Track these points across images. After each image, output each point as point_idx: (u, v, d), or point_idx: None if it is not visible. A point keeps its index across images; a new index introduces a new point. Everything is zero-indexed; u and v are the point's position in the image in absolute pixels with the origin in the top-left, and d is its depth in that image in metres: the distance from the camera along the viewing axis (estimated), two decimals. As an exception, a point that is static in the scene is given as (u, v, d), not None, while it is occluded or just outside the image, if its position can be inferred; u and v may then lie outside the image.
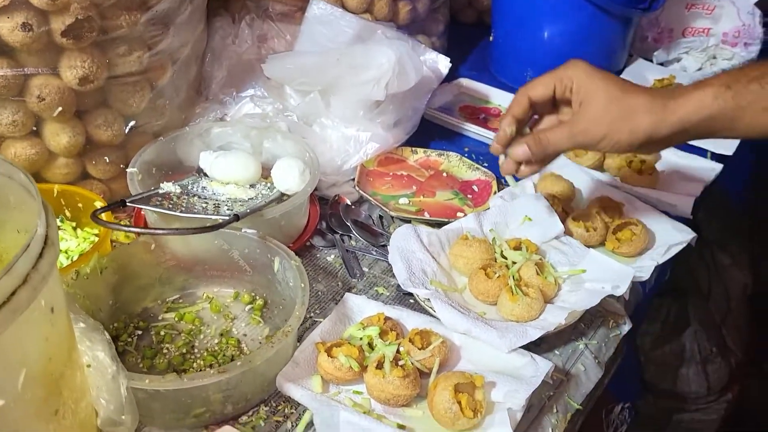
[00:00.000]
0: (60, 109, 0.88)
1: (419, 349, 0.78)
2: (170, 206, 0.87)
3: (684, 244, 0.97)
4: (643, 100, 0.76)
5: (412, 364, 0.75)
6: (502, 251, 0.93)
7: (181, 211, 0.86)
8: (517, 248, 0.93)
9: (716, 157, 1.23)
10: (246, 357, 0.69)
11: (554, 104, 0.86)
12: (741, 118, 0.72)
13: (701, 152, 1.23)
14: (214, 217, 0.85)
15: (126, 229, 0.79)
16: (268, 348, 0.71)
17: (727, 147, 1.24)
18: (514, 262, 0.91)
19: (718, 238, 1.55)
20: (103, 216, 0.80)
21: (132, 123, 0.98)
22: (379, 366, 0.75)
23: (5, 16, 0.80)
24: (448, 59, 1.23)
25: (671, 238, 0.98)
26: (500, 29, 1.49)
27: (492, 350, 0.80)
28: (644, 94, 0.77)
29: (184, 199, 0.91)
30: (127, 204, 0.85)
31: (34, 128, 0.91)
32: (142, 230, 0.79)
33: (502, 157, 0.89)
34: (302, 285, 0.79)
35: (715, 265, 1.57)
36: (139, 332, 0.84)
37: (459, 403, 0.71)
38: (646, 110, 0.75)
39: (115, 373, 0.65)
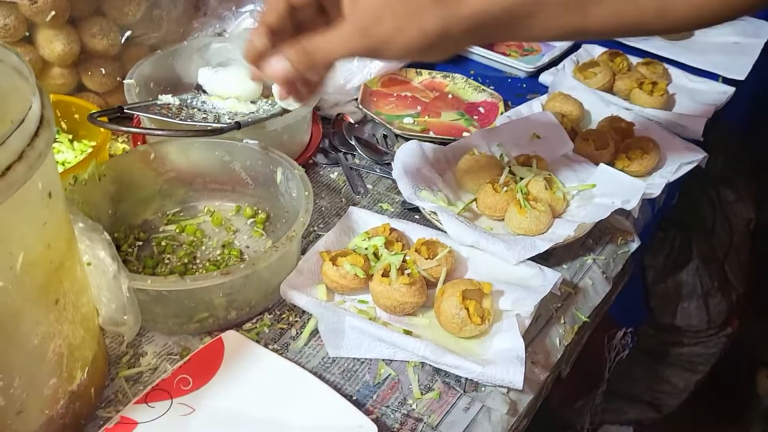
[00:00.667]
0: (53, 13, 0.85)
1: (426, 259, 0.76)
2: (169, 116, 0.84)
3: (695, 163, 0.95)
4: None
5: (419, 273, 0.74)
6: (510, 167, 0.91)
7: (181, 119, 0.83)
8: (526, 164, 0.91)
9: (727, 82, 1.20)
10: (250, 259, 0.68)
11: (322, 9, 0.67)
12: (536, 14, 0.60)
13: (713, 76, 1.20)
14: (214, 125, 0.82)
15: (125, 129, 0.76)
16: (272, 252, 0.69)
17: (740, 71, 1.21)
18: (522, 178, 0.89)
19: (723, 174, 1.53)
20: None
21: (128, 33, 0.95)
22: (385, 275, 0.73)
23: None
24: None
25: (682, 156, 0.96)
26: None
27: (499, 262, 0.78)
28: None
29: (184, 110, 0.89)
30: (125, 111, 0.82)
31: (27, 34, 0.87)
32: (142, 131, 0.77)
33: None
34: (306, 193, 0.77)
35: (719, 200, 1.55)
36: (140, 243, 0.82)
37: (467, 309, 0.69)
38: (433, 3, 0.59)
39: (117, 272, 0.63)
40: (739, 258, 1.61)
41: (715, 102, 1.12)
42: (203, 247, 0.83)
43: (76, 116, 0.90)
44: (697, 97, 1.13)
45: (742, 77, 1.20)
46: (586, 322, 0.79)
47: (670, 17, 0.60)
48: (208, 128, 0.77)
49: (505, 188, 0.86)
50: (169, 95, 0.92)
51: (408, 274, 0.73)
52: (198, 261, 0.81)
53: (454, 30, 0.61)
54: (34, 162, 0.46)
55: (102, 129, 0.83)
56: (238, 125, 0.80)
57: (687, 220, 1.54)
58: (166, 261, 0.80)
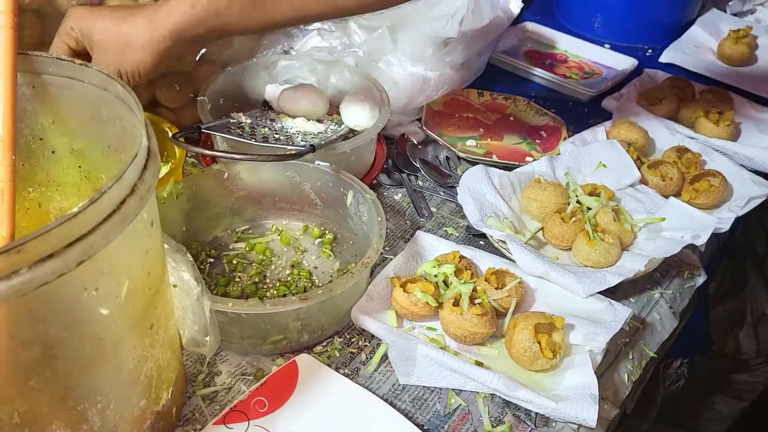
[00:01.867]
0: None
1: (495, 288, 0.77)
2: (244, 136, 0.86)
3: (764, 197, 0.94)
4: (138, 24, 0.73)
5: (489, 302, 0.74)
6: (577, 196, 0.90)
7: (257, 141, 0.84)
8: (593, 193, 0.91)
9: (795, 112, 1.18)
10: (327, 286, 0.69)
11: None
12: (228, 17, 0.73)
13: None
14: (288, 147, 0.83)
15: (209, 153, 0.78)
16: (348, 278, 0.70)
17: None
18: (589, 208, 0.89)
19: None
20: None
21: (203, 51, 0.97)
22: (456, 303, 0.74)
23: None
24: (521, 1, 1.19)
25: (750, 190, 0.95)
26: (569, -28, 1.44)
27: (568, 294, 0.78)
28: (140, 15, 0.74)
29: (256, 129, 0.90)
30: (203, 130, 0.84)
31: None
32: (226, 155, 0.78)
33: None
34: (379, 219, 0.77)
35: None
36: (211, 260, 0.84)
37: (539, 343, 0.70)
38: (139, 34, 0.73)
39: (200, 295, 0.64)
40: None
41: (784, 133, 1.10)
42: (272, 266, 0.84)
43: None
44: (763, 127, 1.11)
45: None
46: (654, 357, 0.78)
47: (340, 7, 0.75)
48: (287, 153, 0.78)
49: (573, 218, 0.86)
50: (240, 113, 0.93)
51: (479, 303, 0.73)
52: (268, 280, 0.82)
53: (163, 47, 0.73)
54: (144, 194, 0.48)
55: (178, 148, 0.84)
56: (313, 148, 0.81)
57: (740, 247, 1.52)
58: (237, 279, 0.82)
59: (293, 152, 0.79)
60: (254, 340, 0.72)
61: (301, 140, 0.88)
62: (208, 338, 0.65)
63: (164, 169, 0.87)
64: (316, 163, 0.84)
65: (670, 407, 1.38)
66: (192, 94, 0.98)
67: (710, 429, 1.65)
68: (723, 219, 0.90)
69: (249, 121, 0.93)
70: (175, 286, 0.65)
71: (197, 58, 0.96)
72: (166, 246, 0.67)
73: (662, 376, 1.16)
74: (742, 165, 1.01)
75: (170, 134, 0.81)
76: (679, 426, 1.57)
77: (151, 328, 0.56)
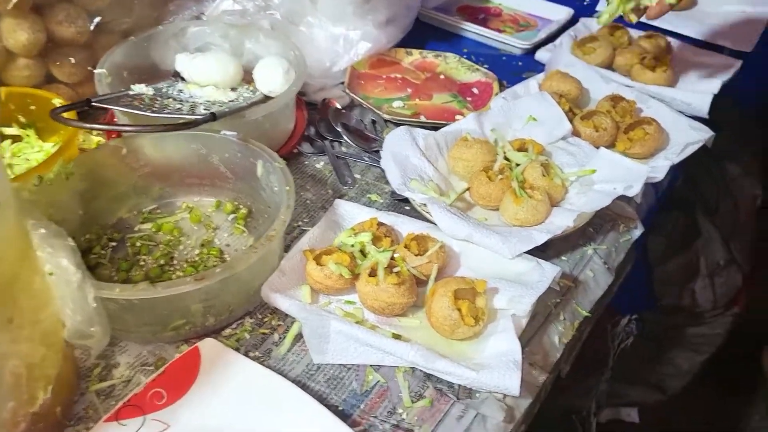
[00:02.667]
0: (15, 0, 0.79)
1: (416, 255, 0.72)
2: (141, 107, 0.79)
3: (701, 143, 0.90)
4: None
5: (408, 270, 0.70)
6: (505, 153, 0.86)
7: (153, 111, 0.78)
8: (522, 149, 0.86)
9: (734, 54, 1.14)
10: (226, 263, 0.63)
11: None
12: None
13: (718, 49, 1.15)
14: (189, 116, 0.77)
15: (88, 126, 0.72)
16: (251, 253, 0.64)
17: (747, 42, 1.15)
18: (517, 164, 0.84)
19: (728, 149, 1.47)
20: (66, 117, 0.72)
21: (97, 19, 0.90)
22: (372, 274, 0.69)
23: None
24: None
25: (687, 136, 0.91)
26: None
27: (494, 256, 0.74)
28: None
29: (158, 101, 0.84)
30: (92, 104, 0.77)
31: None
32: (106, 127, 0.72)
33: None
34: (287, 188, 0.72)
35: (723, 176, 1.49)
36: (114, 244, 0.78)
37: (459, 310, 0.65)
38: None
39: (81, 282, 0.58)
40: (745, 235, 1.56)
41: (722, 76, 1.06)
42: (181, 247, 0.78)
43: (33, 107, 0.85)
44: (702, 72, 1.07)
45: (749, 49, 1.15)
46: (587, 317, 0.74)
47: None
48: (180, 122, 0.71)
49: (500, 176, 0.82)
50: (143, 84, 0.87)
51: (397, 272, 0.68)
52: (176, 262, 0.76)
53: None
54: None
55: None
56: (213, 116, 0.75)
57: (690, 198, 1.49)
58: (141, 263, 0.76)
59: (187, 121, 0.72)
60: (154, 327, 0.66)
61: (204, 110, 0.82)
62: (94, 329, 0.59)
63: (52, 149, 0.80)
64: (222, 132, 0.78)
65: (626, 365, 1.36)
66: (91, 68, 0.91)
67: (671, 384, 1.64)
68: (658, 167, 0.86)
69: (151, 92, 0.86)
70: (51, 273, 0.59)
71: (91, 28, 0.89)
72: (42, 231, 0.60)
73: (611, 335, 1.13)
74: (680, 111, 0.97)
75: (54, 107, 0.74)
76: (637, 383, 1.56)
77: (11, 322, 0.50)
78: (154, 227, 0.80)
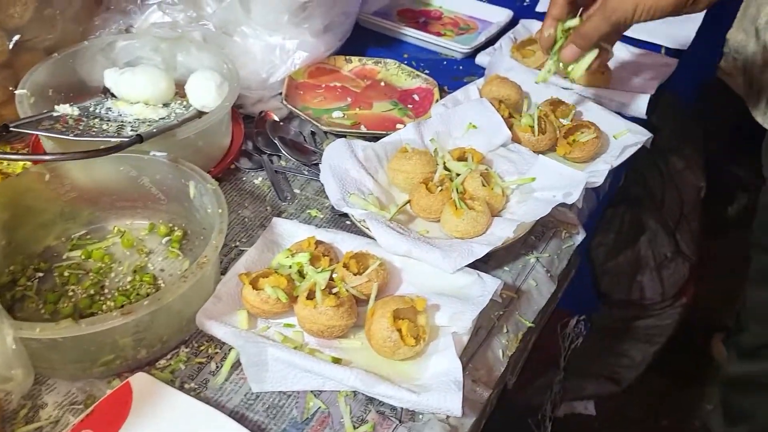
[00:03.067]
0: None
1: (355, 274, 0.70)
2: (64, 130, 0.76)
3: (639, 146, 0.91)
4: None
5: (347, 291, 0.68)
6: (444, 163, 0.85)
7: (76, 135, 0.75)
8: (461, 158, 0.85)
9: (670, 53, 1.15)
10: (155, 295, 0.61)
11: None
12: None
13: (655, 48, 1.16)
14: (114, 139, 0.74)
15: (4, 157, 0.67)
16: (181, 283, 0.62)
17: (683, 41, 1.16)
18: (458, 174, 0.83)
19: (671, 143, 1.50)
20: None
21: (16, 37, 0.86)
22: (311, 296, 0.67)
23: None
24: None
25: (626, 139, 0.91)
26: None
27: (436, 271, 0.73)
28: None
29: (83, 122, 0.80)
30: (11, 129, 0.73)
31: None
32: (20, 157, 0.68)
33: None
34: (220, 210, 0.69)
35: (668, 170, 1.52)
36: (40, 274, 0.74)
37: (399, 330, 0.64)
38: None
39: (-2, 322, 0.55)
40: (691, 227, 1.59)
41: (659, 75, 1.07)
42: (112, 274, 0.75)
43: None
44: (639, 71, 1.08)
45: (685, 47, 1.16)
46: (531, 327, 0.74)
47: None
48: (103, 147, 0.68)
49: (440, 187, 0.81)
50: (68, 105, 0.83)
51: (335, 293, 0.67)
52: (106, 291, 0.73)
53: None
54: None
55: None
56: (140, 138, 0.72)
57: (636, 193, 1.51)
58: (70, 294, 0.72)
59: (110, 146, 0.69)
60: (82, 363, 0.63)
61: (131, 130, 0.79)
62: (15, 372, 0.56)
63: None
64: (151, 153, 0.75)
65: (579, 361, 1.37)
66: (12, 88, 0.86)
67: (626, 376, 1.66)
68: (597, 172, 0.86)
69: (77, 112, 0.82)
70: (-36, 318, 0.56)
71: (11, 46, 0.85)
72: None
73: (561, 336, 1.13)
74: (618, 113, 0.98)
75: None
76: (591, 376, 1.58)
77: None
78: (83, 254, 0.77)
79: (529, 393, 1.25)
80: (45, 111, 0.81)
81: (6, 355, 0.56)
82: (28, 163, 0.86)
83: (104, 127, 0.79)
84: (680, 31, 1.19)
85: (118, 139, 0.72)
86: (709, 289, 1.71)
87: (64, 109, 0.82)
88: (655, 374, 1.67)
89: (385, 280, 0.71)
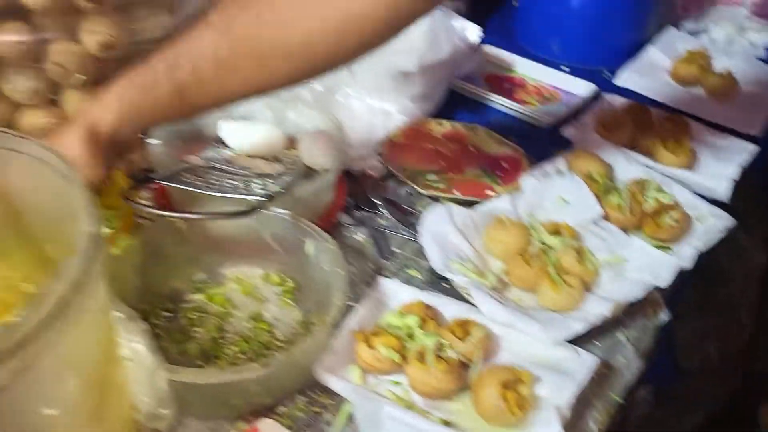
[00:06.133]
0: (79, 76, 0.83)
1: (459, 338, 0.75)
2: (199, 183, 0.83)
3: (725, 232, 0.95)
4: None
5: (455, 356, 0.73)
6: (539, 236, 0.90)
7: (212, 189, 0.81)
8: (555, 232, 0.90)
9: (753, 138, 1.19)
10: (289, 351, 0.67)
11: None
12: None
13: (736, 132, 1.19)
14: (247, 197, 0.80)
15: (168, 214, 0.75)
16: (310, 340, 0.68)
17: (756, 125, 1.20)
18: (551, 248, 0.89)
19: (742, 220, 1.52)
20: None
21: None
22: (421, 358, 0.72)
23: (24, -24, 0.74)
24: (479, 28, 1.17)
25: (711, 224, 0.96)
26: (527, -7, 1.43)
27: (534, 341, 0.77)
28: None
29: (212, 174, 0.87)
30: (156, 181, 0.81)
31: (53, 97, 0.85)
32: (183, 215, 0.75)
33: None
34: (340, 271, 0.76)
35: (735, 245, 1.54)
36: (169, 314, 0.81)
37: (505, 399, 0.69)
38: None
39: (155, 366, 0.62)
40: (752, 299, 1.61)
41: (741, 160, 1.11)
42: (232, 319, 0.81)
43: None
44: (719, 154, 1.12)
45: (758, 132, 1.20)
46: (622, 404, 0.78)
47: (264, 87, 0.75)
48: (244, 210, 0.75)
49: (536, 259, 0.86)
50: (193, 155, 0.91)
51: (445, 358, 0.72)
52: (228, 335, 0.79)
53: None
54: (92, 289, 0.45)
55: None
56: (271, 198, 0.79)
57: (707, 267, 1.53)
58: (194, 334, 0.79)
59: (249, 208, 0.76)
60: (213, 405, 0.69)
61: (259, 188, 0.85)
62: (166, 411, 0.63)
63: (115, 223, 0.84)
64: (274, 210, 0.82)
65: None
66: (142, 135, 0.94)
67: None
68: (685, 256, 0.90)
69: (202, 162, 0.90)
70: (127, 359, 0.62)
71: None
72: (118, 315, 0.64)
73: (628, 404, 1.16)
74: (701, 195, 1.02)
75: (121, 188, 0.77)
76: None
77: (102, 416, 0.53)
78: (206, 297, 0.83)
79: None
80: (176, 161, 0.88)
81: (160, 395, 0.62)
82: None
83: (233, 181, 0.86)
84: (752, 115, 1.23)
85: (254, 198, 0.79)
86: (763, 358, 1.72)
87: (192, 160, 0.89)
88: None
89: (488, 348, 0.76)
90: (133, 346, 0.62)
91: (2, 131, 0.55)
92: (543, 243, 0.89)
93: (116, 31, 0.82)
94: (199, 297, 0.83)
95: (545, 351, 0.77)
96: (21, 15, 0.78)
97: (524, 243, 0.88)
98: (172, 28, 0.89)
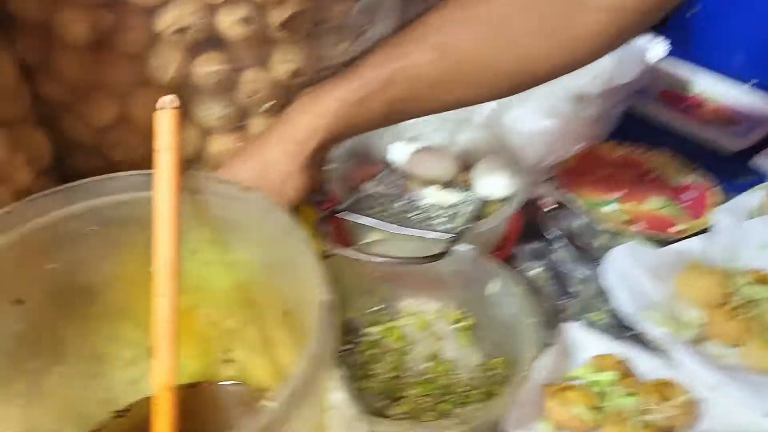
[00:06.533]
0: (270, 103, 0.83)
1: (657, 402, 0.70)
2: (382, 215, 0.81)
3: None
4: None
5: (660, 422, 0.68)
6: (741, 284, 0.82)
7: (396, 223, 0.80)
8: (761, 281, 0.82)
9: None
10: (485, 409, 0.64)
11: None
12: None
13: None
14: (431, 235, 0.78)
15: (365, 258, 0.74)
16: (506, 397, 0.65)
17: None
18: (754, 299, 0.81)
19: None
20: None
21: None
22: (620, 420, 0.67)
23: (226, 10, 0.75)
24: (664, 46, 1.09)
25: None
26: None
27: (740, 408, 0.71)
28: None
29: (390, 206, 0.85)
30: (339, 213, 0.80)
31: (239, 124, 0.86)
32: (379, 260, 0.73)
33: None
34: (530, 320, 0.72)
35: None
36: (345, 348, 0.80)
37: (719, 477, 0.63)
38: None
39: (356, 416, 0.61)
40: None
41: None
42: (408, 357, 0.80)
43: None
44: None
45: None
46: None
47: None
48: (438, 253, 0.73)
49: (740, 313, 0.78)
50: (368, 182, 0.89)
51: (647, 423, 0.67)
52: (408, 374, 0.77)
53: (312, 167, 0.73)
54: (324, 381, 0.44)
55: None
56: (457, 238, 0.76)
57: None
58: (371, 372, 0.77)
59: (442, 250, 0.74)
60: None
61: (440, 224, 0.83)
62: (359, 462, 0.61)
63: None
64: (460, 248, 0.79)
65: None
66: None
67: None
68: None
69: (380, 189, 0.88)
70: (328, 409, 0.61)
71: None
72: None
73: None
74: None
75: (313, 219, 0.77)
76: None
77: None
78: (382, 332, 0.82)
79: None
80: (352, 188, 0.87)
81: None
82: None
83: (416, 214, 0.84)
84: None
85: (443, 236, 0.76)
86: None
87: (370, 187, 0.88)
88: None
89: (694, 414, 0.70)
90: (335, 395, 0.61)
91: (224, 181, 0.55)
92: (745, 292, 0.81)
93: (305, 58, 0.82)
94: (373, 330, 0.82)
95: (753, 420, 0.70)
96: (218, 45, 0.79)
97: (724, 291, 0.81)
98: (354, 54, 0.89)
